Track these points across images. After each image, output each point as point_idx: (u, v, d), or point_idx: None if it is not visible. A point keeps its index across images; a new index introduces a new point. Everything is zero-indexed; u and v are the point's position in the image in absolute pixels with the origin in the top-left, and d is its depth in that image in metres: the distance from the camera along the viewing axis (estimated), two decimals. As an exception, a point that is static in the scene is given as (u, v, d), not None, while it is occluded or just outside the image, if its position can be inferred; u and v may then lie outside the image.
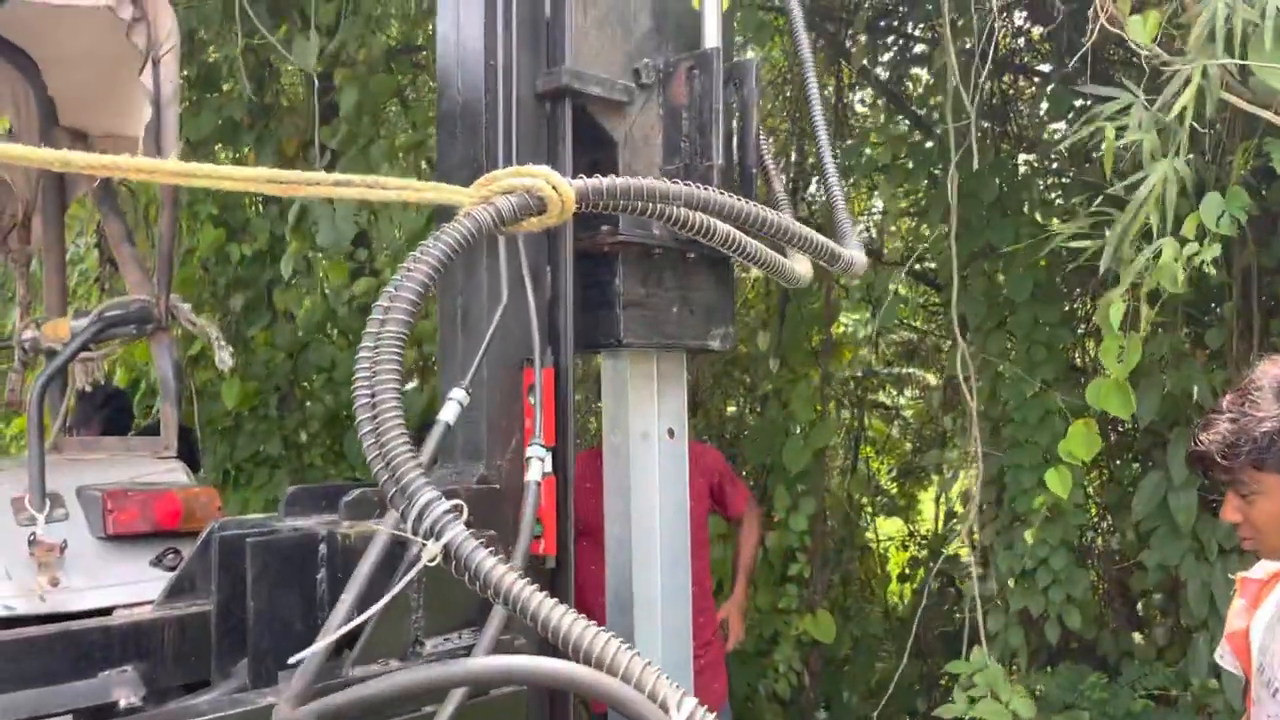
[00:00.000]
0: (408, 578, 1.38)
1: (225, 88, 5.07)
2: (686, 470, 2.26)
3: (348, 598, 1.46)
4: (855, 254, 2.17)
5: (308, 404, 5.46)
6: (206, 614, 1.82)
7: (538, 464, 1.84)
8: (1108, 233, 3.20)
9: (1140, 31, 2.82)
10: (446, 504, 1.26)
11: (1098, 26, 2.89)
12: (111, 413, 3.79)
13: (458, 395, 1.74)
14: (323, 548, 1.74)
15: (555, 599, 1.21)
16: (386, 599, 1.37)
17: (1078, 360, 5.20)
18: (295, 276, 4.77)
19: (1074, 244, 3.30)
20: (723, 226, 1.89)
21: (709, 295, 2.22)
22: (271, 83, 5.05)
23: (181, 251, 5.01)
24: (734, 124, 2.15)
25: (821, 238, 2.10)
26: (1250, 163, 3.36)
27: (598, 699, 1.20)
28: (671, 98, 2.11)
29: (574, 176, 2.05)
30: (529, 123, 2.00)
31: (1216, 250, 3.02)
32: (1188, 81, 2.67)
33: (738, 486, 3.96)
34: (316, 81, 4.30)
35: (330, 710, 1.32)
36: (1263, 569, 1.86)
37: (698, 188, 1.78)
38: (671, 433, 2.23)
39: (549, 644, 1.65)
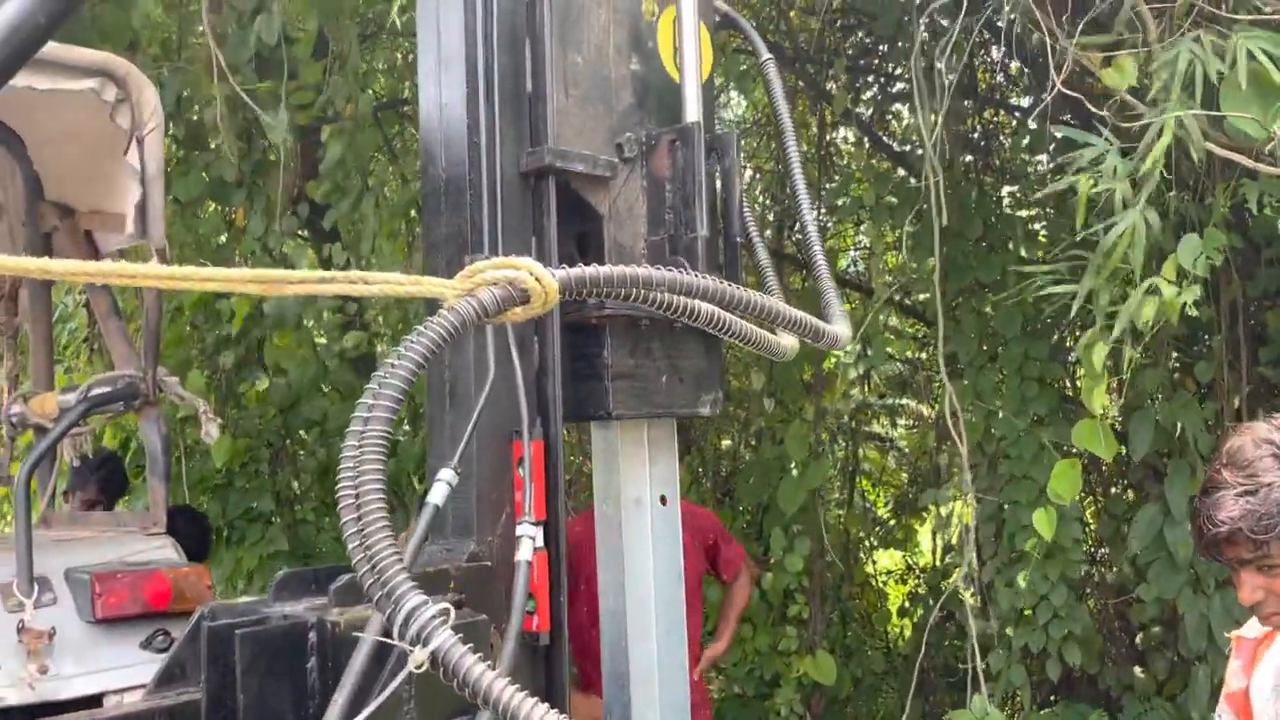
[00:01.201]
0: (395, 683, 1.36)
1: (213, 145, 5.09)
2: (680, 537, 2.25)
3: (339, 699, 1.45)
4: (840, 329, 2.18)
5: (300, 456, 5.45)
6: (198, 702, 1.80)
7: (528, 543, 1.82)
8: (1083, 277, 3.23)
9: (1118, 80, 2.85)
10: (434, 608, 1.25)
11: (1064, 75, 2.92)
12: (107, 475, 3.78)
13: (446, 476, 1.72)
14: (312, 635, 1.72)
15: (545, 704, 1.20)
16: (372, 708, 1.35)
17: (1070, 392, 5.21)
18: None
19: (1052, 289, 3.33)
20: (706, 307, 1.89)
21: (698, 362, 2.22)
22: (259, 138, 5.06)
23: (170, 309, 5.02)
24: (717, 195, 2.16)
25: (805, 316, 2.10)
26: (1229, 203, 3.40)
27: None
28: (654, 170, 2.12)
29: (560, 250, 2.07)
30: (514, 197, 2.00)
31: (1196, 293, 3.05)
32: (1161, 130, 2.70)
33: (732, 547, 3.97)
34: (296, 140, 4.33)
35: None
36: (1256, 627, 1.84)
37: (681, 273, 1.78)
38: (664, 499, 2.22)
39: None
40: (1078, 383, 5.28)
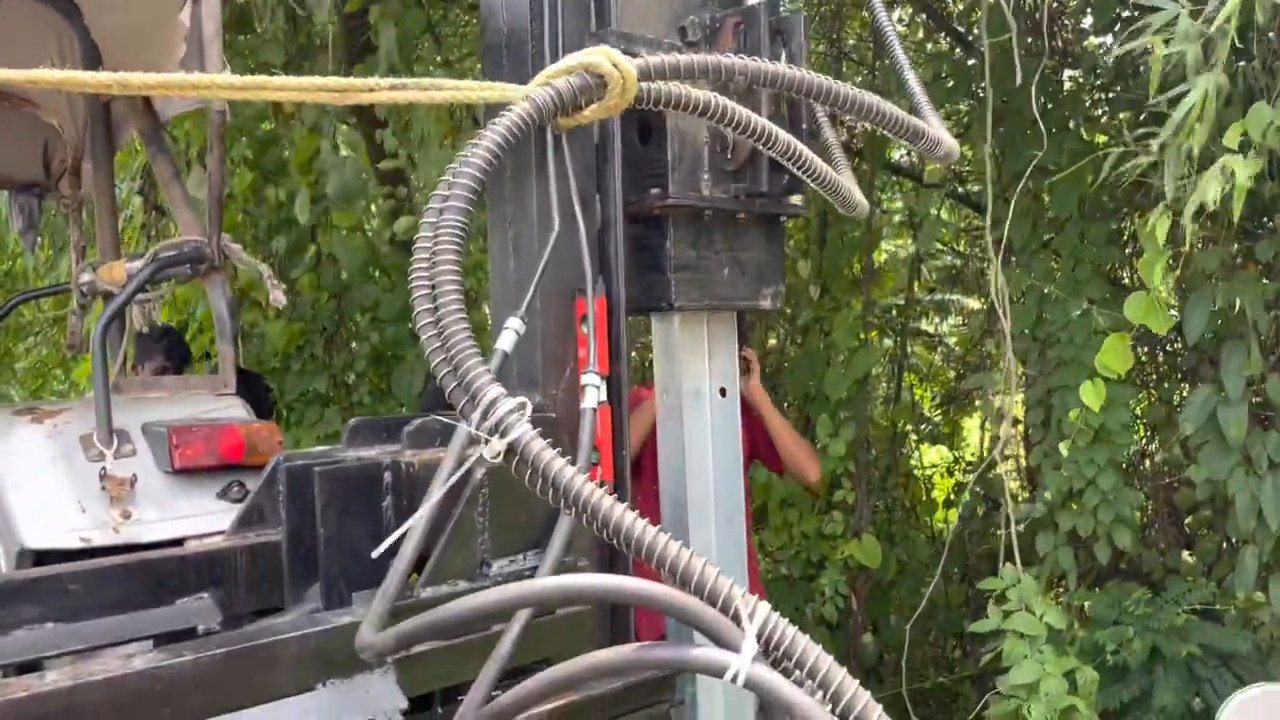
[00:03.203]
0: (464, 466, 1.39)
1: (259, 28, 5.06)
2: (739, 428, 2.27)
3: (423, 510, 1.49)
4: (947, 138, 2.11)
5: (354, 344, 5.54)
6: (277, 543, 1.87)
7: (593, 391, 1.85)
8: (1154, 148, 3.14)
9: None
10: (512, 402, 1.27)
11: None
12: (170, 344, 3.89)
13: (514, 324, 1.74)
14: (387, 476, 1.78)
15: (621, 503, 1.23)
16: (436, 499, 1.38)
17: (1125, 279, 5.12)
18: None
19: (1120, 167, 3.24)
20: (783, 136, 1.85)
21: (760, 255, 2.20)
22: (305, 22, 5.02)
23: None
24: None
25: (913, 119, 2.03)
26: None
27: (668, 613, 1.23)
28: (720, 53, 2.08)
29: (623, 137, 2.04)
30: (576, 49, 1.98)
31: (1257, 166, 2.96)
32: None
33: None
34: (342, 23, 4.28)
35: (409, 634, 1.37)
36: None
37: (768, 62, 1.75)
38: (724, 391, 2.23)
39: (611, 554, 1.68)
40: (1134, 267, 5.20)
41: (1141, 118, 3.25)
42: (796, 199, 2.25)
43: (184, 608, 1.82)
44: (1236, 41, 3.08)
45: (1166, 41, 2.80)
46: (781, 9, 2.20)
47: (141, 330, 2.93)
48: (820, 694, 1.08)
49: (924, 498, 7.05)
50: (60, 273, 5.46)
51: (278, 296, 2.61)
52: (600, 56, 1.50)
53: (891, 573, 5.90)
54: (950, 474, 7.66)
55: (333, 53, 4.97)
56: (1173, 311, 5.34)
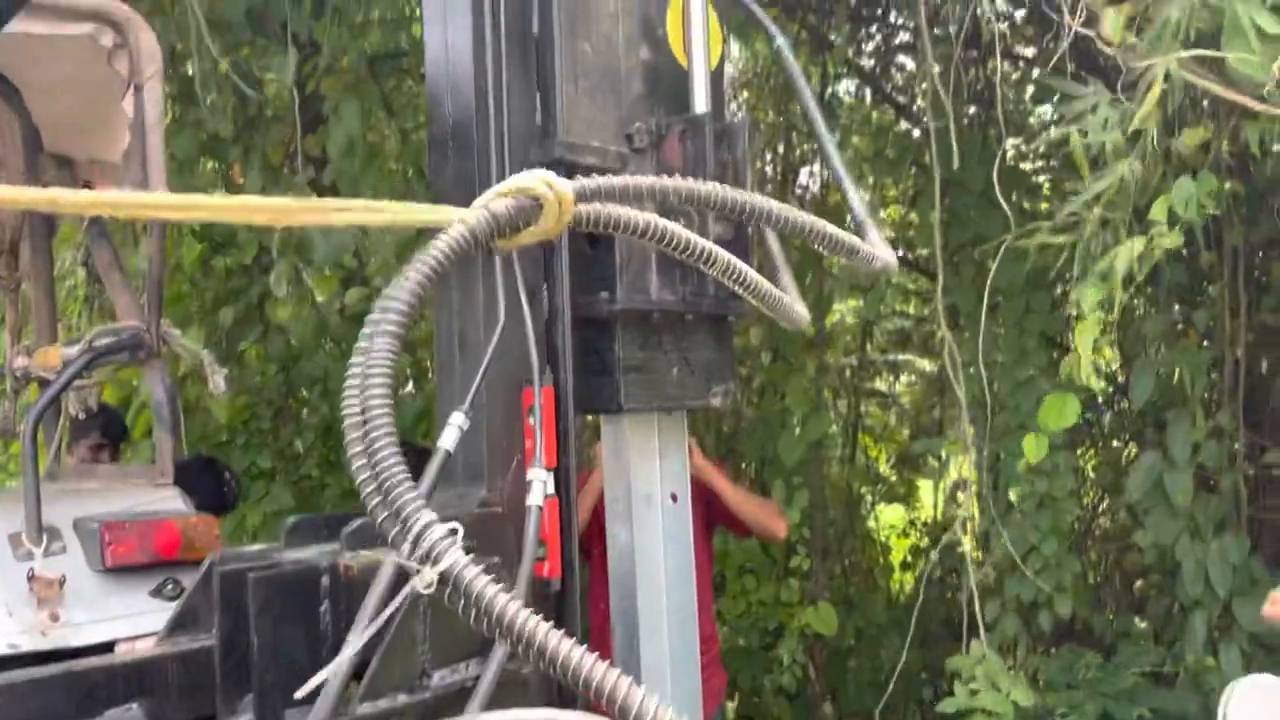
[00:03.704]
0: (395, 603, 1.36)
1: (208, 100, 5.04)
2: (691, 534, 2.24)
3: (353, 637, 1.45)
4: (887, 253, 2.13)
5: (304, 414, 5.46)
6: (210, 649, 1.81)
7: (539, 486, 1.83)
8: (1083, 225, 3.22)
9: (1112, 30, 2.84)
10: (444, 528, 1.24)
11: (1077, 21, 2.90)
12: (105, 422, 3.79)
13: (457, 420, 1.72)
14: (325, 579, 1.73)
15: (557, 627, 1.20)
16: (367, 630, 1.35)
17: (1072, 345, 5.20)
18: (286, 288, 4.75)
19: (1049, 240, 3.33)
20: (724, 255, 1.86)
21: (708, 354, 2.20)
22: (254, 94, 5.01)
23: (169, 266, 4.99)
24: (728, 183, 2.13)
25: (851, 237, 2.05)
26: (1225, 146, 3.38)
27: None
28: (665, 160, 2.09)
29: (570, 244, 2.00)
30: (522, 142, 1.99)
31: (1178, 240, 3.05)
32: (1153, 80, 2.70)
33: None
34: (297, 93, 4.28)
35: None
36: None
37: (706, 184, 1.76)
38: (675, 497, 2.22)
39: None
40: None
41: (1068, 196, 3.34)
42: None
43: (112, 719, 1.75)
44: (1168, 120, 3.18)
45: (1084, 133, 2.89)
46: (728, 114, 2.24)
47: (77, 416, 2.86)
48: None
49: (880, 561, 7.05)
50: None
51: (218, 383, 2.56)
52: (537, 181, 1.51)
53: (849, 640, 5.87)
54: (906, 534, 7.68)
55: (284, 122, 4.96)
56: (1119, 376, 5.45)
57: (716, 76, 2.20)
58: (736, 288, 2.01)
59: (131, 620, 2.17)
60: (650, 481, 2.17)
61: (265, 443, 5.15)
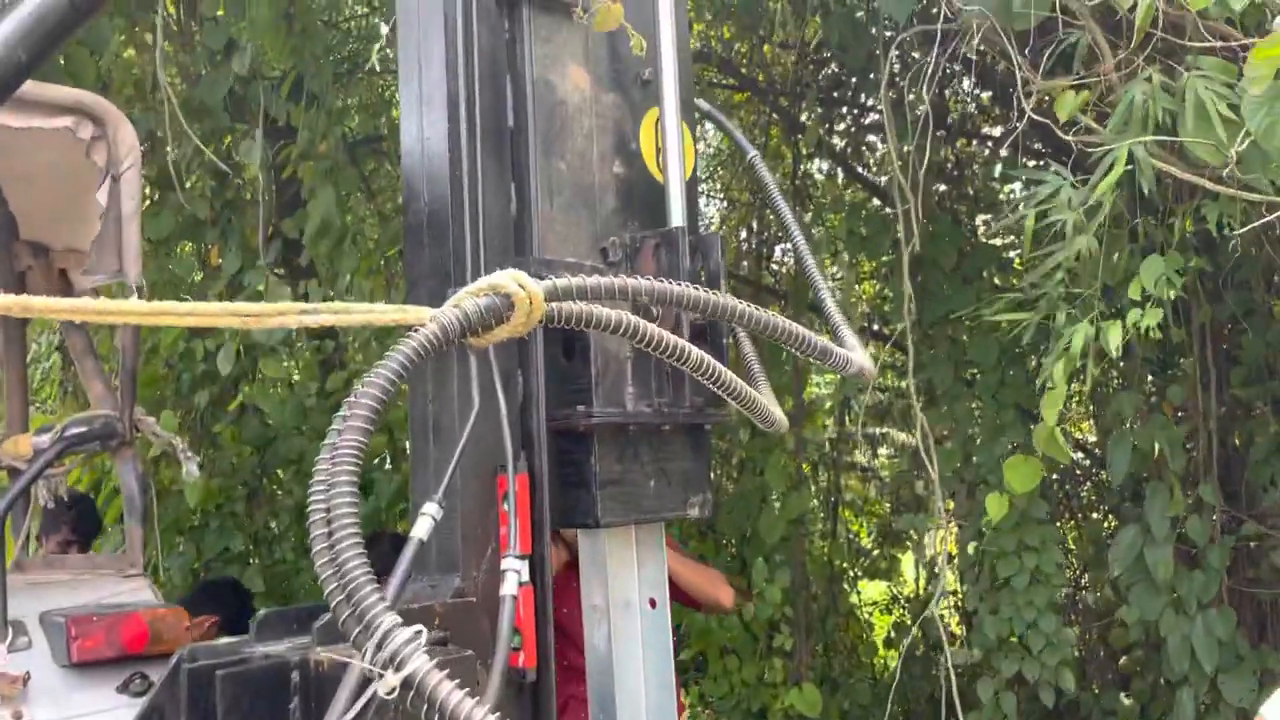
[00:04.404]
0: (359, 706, 1.33)
1: (187, 184, 5.08)
2: (670, 640, 2.22)
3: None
4: (863, 359, 2.15)
5: (277, 496, 5.39)
6: (177, 749, 1.76)
7: (513, 576, 1.80)
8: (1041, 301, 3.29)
9: (1067, 108, 2.93)
10: (407, 631, 1.22)
11: (1031, 103, 2.99)
12: (79, 514, 3.73)
13: (431, 510, 1.70)
14: (295, 675, 1.69)
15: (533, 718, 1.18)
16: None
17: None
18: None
19: (1014, 315, 3.39)
20: (697, 353, 1.87)
21: (685, 464, 2.20)
22: (232, 177, 5.06)
23: (145, 349, 4.97)
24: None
25: (827, 342, 2.07)
26: (1190, 225, 3.46)
27: None
28: (640, 272, 2.11)
29: (546, 354, 2.02)
30: (497, 232, 2.01)
31: (1158, 316, 3.10)
32: (1114, 163, 2.78)
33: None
34: (270, 177, 4.32)
35: None
36: None
37: (675, 284, 1.78)
38: (654, 602, 2.20)
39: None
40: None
41: (1029, 269, 3.42)
42: (721, 410, 2.27)
43: (74, 826, 1.70)
44: (1132, 199, 3.26)
45: (1044, 214, 2.97)
46: (701, 226, 2.27)
47: (47, 505, 2.82)
48: None
49: (864, 638, 6.98)
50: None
51: (191, 470, 2.54)
52: (507, 278, 1.53)
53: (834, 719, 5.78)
54: (889, 611, 7.61)
55: (261, 205, 5.00)
56: (1096, 450, 5.48)
57: (690, 187, 2.24)
58: (712, 386, 2.01)
59: (98, 717, 2.11)
60: (628, 589, 2.16)
61: (239, 526, 5.07)
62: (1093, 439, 5.79)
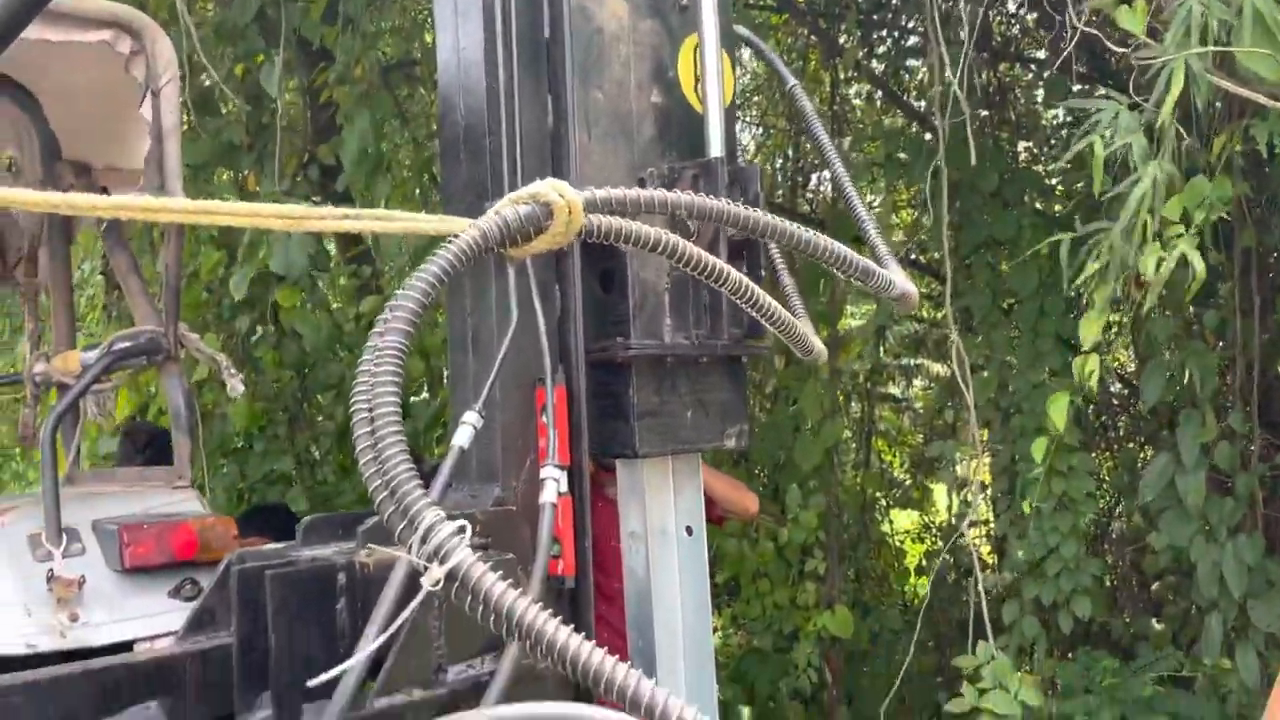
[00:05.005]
0: (411, 605, 1.37)
1: (223, 110, 5.09)
2: (706, 567, 2.25)
3: (372, 628, 1.46)
4: (909, 285, 2.14)
5: (318, 420, 5.49)
6: (228, 647, 1.83)
7: (552, 484, 1.83)
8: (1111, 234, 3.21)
9: (1130, 21, 2.83)
10: (452, 525, 1.25)
11: (1082, 22, 2.90)
12: (153, 457, 3.76)
13: (471, 419, 1.73)
14: (341, 577, 1.75)
15: (571, 624, 1.21)
16: (382, 629, 1.36)
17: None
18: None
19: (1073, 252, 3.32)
20: (735, 275, 1.86)
21: (722, 395, 2.21)
22: (268, 102, 5.06)
23: (185, 274, 5.03)
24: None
25: (873, 265, 2.06)
26: (1238, 146, 3.37)
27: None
28: None
29: (584, 287, 2.04)
30: (534, 145, 2.00)
31: (1194, 243, 3.03)
32: (1171, 75, 2.68)
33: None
34: (305, 103, 4.31)
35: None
36: None
37: (715, 199, 1.77)
38: (690, 530, 2.24)
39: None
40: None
41: (1092, 201, 3.33)
42: (758, 341, 2.27)
43: (132, 718, 1.77)
44: (1180, 129, 3.17)
45: (1109, 139, 2.88)
46: (740, 158, 2.24)
47: (122, 428, 2.88)
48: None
49: (896, 566, 7.03)
50: (15, 361, 5.39)
51: (236, 386, 2.59)
52: (547, 187, 1.53)
53: (864, 643, 5.86)
54: (921, 539, 7.65)
55: (292, 130, 5.01)
56: (1133, 381, 5.43)
57: (729, 116, 2.21)
58: (750, 309, 2.01)
59: (150, 620, 2.19)
60: (665, 517, 2.19)
61: (282, 449, 5.17)
62: (1131, 369, 5.74)
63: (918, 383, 8.40)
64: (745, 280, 1.87)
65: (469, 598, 1.24)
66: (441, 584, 1.25)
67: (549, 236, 1.56)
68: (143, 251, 4.68)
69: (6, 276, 3.30)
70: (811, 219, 6.65)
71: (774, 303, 1.95)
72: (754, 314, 1.95)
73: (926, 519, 7.77)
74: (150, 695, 1.79)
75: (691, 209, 1.75)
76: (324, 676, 1.29)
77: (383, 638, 1.43)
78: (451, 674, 1.68)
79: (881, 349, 7.42)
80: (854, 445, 7.39)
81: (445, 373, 5.51)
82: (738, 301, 1.93)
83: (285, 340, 5.15)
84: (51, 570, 2.14)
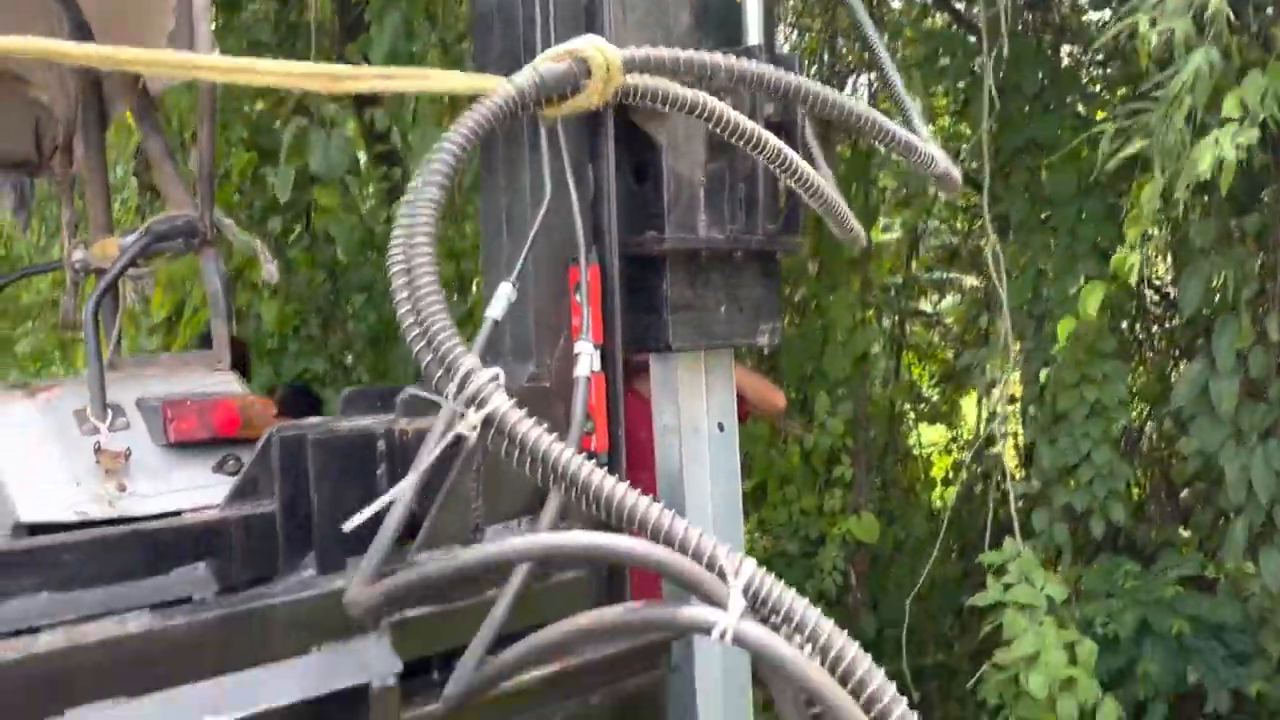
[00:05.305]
0: (442, 443, 1.39)
1: (252, 7, 5.04)
2: (737, 463, 2.28)
3: (406, 484, 1.49)
4: (944, 159, 2.11)
5: (350, 325, 5.53)
6: (271, 515, 1.87)
7: (586, 359, 1.85)
8: (1150, 122, 3.13)
9: None
10: (489, 372, 1.27)
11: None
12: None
13: (505, 291, 1.75)
14: (381, 444, 1.78)
15: (603, 470, 1.23)
16: (418, 475, 1.38)
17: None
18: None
19: (1114, 144, 3.24)
20: (774, 142, 1.84)
21: (756, 292, 2.21)
22: (296, 1, 5.01)
23: (218, 175, 5.04)
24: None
25: (918, 140, 2.03)
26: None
27: (656, 570, 1.23)
28: (714, 94, 2.08)
29: (617, 181, 2.01)
30: (568, 14, 1.97)
31: (1254, 134, 2.96)
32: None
33: None
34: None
35: (397, 588, 1.37)
36: None
37: (757, 63, 1.74)
38: (722, 426, 2.25)
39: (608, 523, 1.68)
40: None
41: (1137, 92, 3.24)
42: (793, 237, 2.25)
43: (179, 577, 1.82)
44: (1231, 16, 3.07)
45: (1154, 21, 2.79)
46: (778, 46, 2.19)
47: (136, 305, 2.92)
48: (809, 648, 1.08)
49: (922, 476, 7.07)
50: (54, 254, 5.45)
51: (271, 271, 2.61)
52: (585, 42, 1.51)
53: (889, 549, 5.92)
54: (949, 452, 7.67)
55: (326, 30, 4.95)
56: (1171, 290, 5.36)
57: (767, 3, 2.17)
58: (790, 181, 1.99)
59: (194, 493, 2.24)
60: (697, 414, 2.20)
61: (315, 350, 5.24)
62: (1169, 278, 5.66)
63: (949, 299, 8.34)
64: (785, 150, 1.85)
65: (505, 443, 1.27)
66: (479, 430, 1.27)
67: (585, 96, 1.55)
68: (175, 151, 4.68)
69: (43, 167, 3.32)
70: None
71: (815, 175, 1.93)
72: (794, 185, 1.93)
73: (954, 433, 7.77)
74: (197, 557, 1.84)
75: (732, 72, 1.73)
76: (362, 515, 1.32)
77: (413, 476, 1.45)
78: (489, 534, 1.72)
79: (914, 262, 7.36)
80: (884, 359, 7.37)
81: (475, 278, 5.53)
82: (777, 171, 1.91)
83: (318, 242, 5.17)
84: (98, 443, 2.20)
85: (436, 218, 1.37)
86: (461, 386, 1.26)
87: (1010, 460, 6.16)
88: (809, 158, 2.18)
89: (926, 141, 2.19)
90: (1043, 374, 4.52)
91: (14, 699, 1.25)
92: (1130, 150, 3.20)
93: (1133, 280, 3.34)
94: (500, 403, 1.25)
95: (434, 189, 1.36)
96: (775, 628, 1.12)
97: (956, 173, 2.14)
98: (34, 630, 1.59)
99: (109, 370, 2.74)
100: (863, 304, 5.83)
